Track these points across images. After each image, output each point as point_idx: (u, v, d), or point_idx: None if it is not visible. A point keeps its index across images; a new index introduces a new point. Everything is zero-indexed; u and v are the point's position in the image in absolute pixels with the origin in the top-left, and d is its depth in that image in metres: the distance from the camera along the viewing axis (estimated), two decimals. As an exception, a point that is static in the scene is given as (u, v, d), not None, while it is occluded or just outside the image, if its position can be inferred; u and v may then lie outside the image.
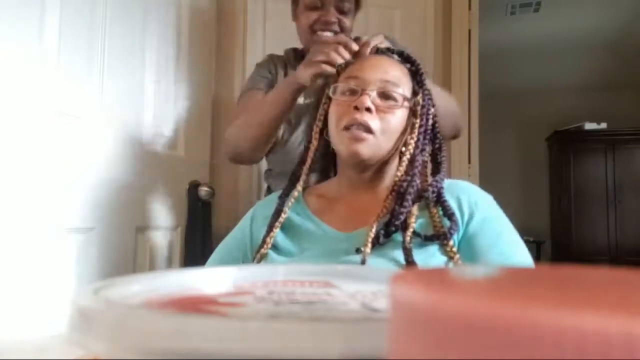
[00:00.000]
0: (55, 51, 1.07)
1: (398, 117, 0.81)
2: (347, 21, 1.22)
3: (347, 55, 0.89)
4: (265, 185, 1.43)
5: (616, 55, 5.05)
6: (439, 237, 0.74)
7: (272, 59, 1.33)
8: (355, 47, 0.90)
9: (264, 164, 1.47)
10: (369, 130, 0.78)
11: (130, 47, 1.29)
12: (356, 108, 0.78)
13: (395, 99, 0.81)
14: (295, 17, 1.28)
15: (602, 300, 0.12)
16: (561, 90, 5.68)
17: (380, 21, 1.86)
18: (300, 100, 1.19)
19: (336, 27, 1.21)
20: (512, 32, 4.67)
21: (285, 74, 1.29)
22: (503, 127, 5.79)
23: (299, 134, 1.22)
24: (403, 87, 0.82)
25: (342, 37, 0.92)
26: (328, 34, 1.21)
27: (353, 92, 0.82)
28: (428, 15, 1.97)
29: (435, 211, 0.77)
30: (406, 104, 0.82)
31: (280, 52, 1.36)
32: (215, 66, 1.67)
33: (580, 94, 5.66)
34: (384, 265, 0.71)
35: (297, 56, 1.32)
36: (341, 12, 1.21)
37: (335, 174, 0.95)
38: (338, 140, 0.82)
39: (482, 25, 2.18)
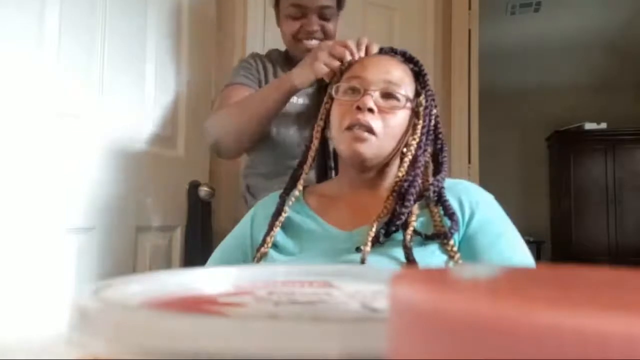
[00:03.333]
0: (55, 51, 1.07)
1: (400, 117, 0.81)
2: (330, 26, 1.21)
3: (349, 58, 0.90)
4: (243, 184, 1.37)
5: (616, 55, 5.05)
6: (440, 236, 0.74)
7: (259, 57, 1.31)
8: (357, 56, 0.90)
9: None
10: (371, 130, 0.78)
11: (130, 47, 1.29)
12: (358, 108, 0.78)
13: (397, 100, 0.81)
14: (279, 23, 1.27)
15: (602, 300, 0.12)
16: (561, 90, 5.68)
17: (379, 21, 1.86)
18: (293, 99, 1.19)
19: (319, 35, 1.20)
20: (512, 32, 4.67)
21: (275, 72, 1.28)
22: (503, 127, 5.78)
23: (284, 132, 1.21)
24: (405, 87, 0.82)
25: (348, 43, 0.91)
26: (313, 42, 1.20)
27: (355, 91, 0.82)
28: (428, 15, 1.97)
29: (436, 210, 0.77)
30: (408, 104, 0.82)
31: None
32: (215, 66, 1.67)
33: (580, 94, 5.66)
34: (384, 263, 0.71)
35: (282, 58, 1.31)
36: (323, 18, 1.20)
37: (336, 174, 0.95)
38: (340, 140, 0.82)
39: (482, 25, 2.18)
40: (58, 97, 1.08)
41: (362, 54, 0.89)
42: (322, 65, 0.91)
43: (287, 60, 1.30)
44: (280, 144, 1.19)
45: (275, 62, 1.30)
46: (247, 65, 1.28)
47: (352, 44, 0.90)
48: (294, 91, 1.03)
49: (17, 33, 1.00)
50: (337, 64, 0.90)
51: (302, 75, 0.98)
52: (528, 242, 0.77)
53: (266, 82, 1.26)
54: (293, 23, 1.20)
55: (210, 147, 1.23)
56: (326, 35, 1.21)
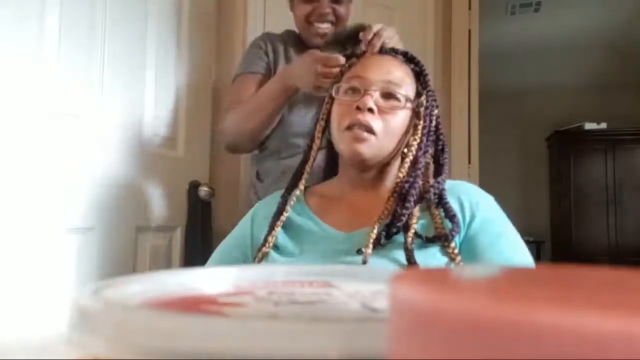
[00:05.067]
0: (55, 51, 1.07)
1: (400, 118, 0.81)
2: (342, 9, 1.23)
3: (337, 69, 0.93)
4: (253, 171, 1.39)
5: (616, 55, 5.04)
6: (440, 239, 0.73)
7: (269, 38, 1.32)
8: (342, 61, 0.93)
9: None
10: (370, 130, 0.78)
11: (131, 47, 1.29)
12: (358, 108, 0.78)
13: (398, 100, 0.81)
14: (292, 7, 1.30)
15: (602, 300, 0.12)
16: (561, 90, 5.68)
17: (379, 21, 1.85)
18: None
19: (331, 17, 1.22)
20: (512, 32, 4.67)
21: (286, 54, 1.30)
22: (503, 127, 5.78)
23: (292, 109, 1.22)
24: (406, 87, 0.82)
25: (337, 59, 0.94)
26: (325, 25, 1.23)
27: (356, 91, 0.82)
28: (428, 15, 1.97)
29: (436, 213, 0.77)
30: (409, 104, 0.82)
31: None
32: (215, 65, 1.67)
33: (580, 94, 5.66)
34: (385, 265, 0.71)
35: (295, 39, 1.32)
36: (335, 1, 1.22)
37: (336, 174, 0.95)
38: (340, 140, 0.82)
39: (482, 25, 2.18)
40: (58, 97, 1.08)
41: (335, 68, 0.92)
42: (318, 87, 0.97)
43: (300, 41, 1.32)
44: (286, 120, 1.22)
45: (287, 43, 1.32)
46: (256, 50, 1.30)
47: (339, 60, 0.93)
48: (296, 92, 1.08)
49: (17, 33, 0.99)
50: (329, 81, 0.93)
51: (304, 82, 1.01)
52: (528, 242, 0.77)
53: (275, 64, 1.28)
54: (305, 6, 1.23)
55: (225, 146, 1.28)
56: (338, 19, 1.23)
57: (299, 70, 1.03)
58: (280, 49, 1.30)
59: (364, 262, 0.70)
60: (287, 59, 1.29)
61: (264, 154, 1.29)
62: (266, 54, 1.29)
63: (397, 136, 0.81)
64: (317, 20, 1.22)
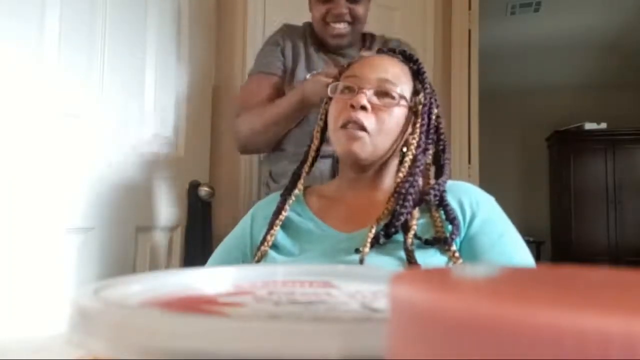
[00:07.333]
0: (55, 51, 1.07)
1: (395, 115, 0.81)
2: (359, 9, 1.21)
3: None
4: (265, 171, 1.38)
5: (616, 55, 5.04)
6: (440, 242, 0.73)
7: (288, 34, 1.30)
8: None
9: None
10: (363, 128, 0.78)
11: (131, 47, 1.29)
12: (352, 106, 0.78)
13: (392, 97, 0.80)
14: (310, 8, 1.28)
15: (602, 300, 0.12)
16: (561, 90, 5.68)
17: (380, 21, 1.85)
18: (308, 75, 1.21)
19: (348, 18, 1.21)
20: (512, 32, 4.67)
21: (306, 51, 1.28)
22: (503, 127, 5.78)
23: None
24: (402, 85, 0.82)
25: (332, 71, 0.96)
26: (341, 25, 1.21)
27: (351, 90, 0.82)
28: (428, 15, 1.97)
29: (437, 215, 0.76)
30: (403, 102, 0.81)
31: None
32: (215, 65, 1.67)
33: (580, 94, 5.66)
34: (384, 264, 0.71)
35: (314, 39, 1.29)
36: (352, 1, 1.21)
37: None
38: (335, 140, 0.82)
39: (482, 25, 2.18)
40: (58, 97, 1.08)
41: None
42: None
43: (317, 41, 1.30)
44: (304, 122, 1.21)
45: (307, 39, 1.29)
46: (273, 47, 1.28)
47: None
48: (313, 106, 1.09)
49: (18, 34, 1.00)
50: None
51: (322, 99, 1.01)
52: (528, 242, 0.76)
53: (294, 63, 1.26)
54: (321, 6, 1.21)
55: (238, 148, 1.30)
56: (355, 19, 1.22)
57: (317, 89, 1.04)
58: (300, 45, 1.27)
59: (361, 262, 0.70)
60: (308, 57, 1.26)
61: (280, 155, 1.27)
62: (283, 52, 1.26)
63: (392, 134, 0.81)
64: (333, 20, 1.21)
